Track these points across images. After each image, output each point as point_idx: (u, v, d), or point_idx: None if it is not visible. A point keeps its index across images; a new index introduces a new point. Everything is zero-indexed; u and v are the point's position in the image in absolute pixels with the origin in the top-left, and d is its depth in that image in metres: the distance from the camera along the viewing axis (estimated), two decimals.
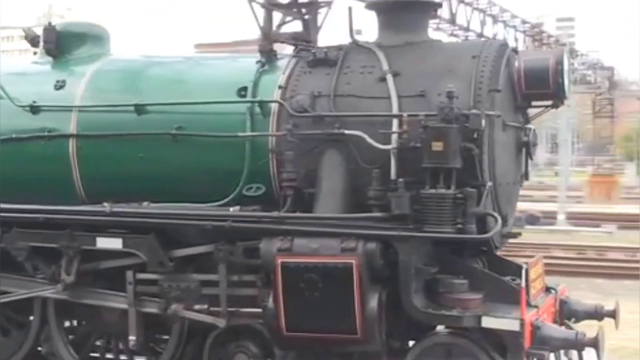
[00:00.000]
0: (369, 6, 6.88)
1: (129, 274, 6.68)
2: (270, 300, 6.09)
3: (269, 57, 6.80)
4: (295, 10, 20.51)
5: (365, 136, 6.06)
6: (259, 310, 6.30)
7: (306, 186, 6.26)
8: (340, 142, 6.20)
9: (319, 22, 20.35)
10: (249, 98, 6.54)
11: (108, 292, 6.84)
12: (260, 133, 6.42)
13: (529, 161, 6.85)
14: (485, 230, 5.93)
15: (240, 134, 6.43)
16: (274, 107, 6.48)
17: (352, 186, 6.20)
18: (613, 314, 6.74)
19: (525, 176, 6.87)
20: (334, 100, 6.32)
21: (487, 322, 5.78)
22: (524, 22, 31.56)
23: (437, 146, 5.70)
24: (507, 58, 6.37)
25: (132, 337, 6.72)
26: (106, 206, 6.65)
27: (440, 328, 6.21)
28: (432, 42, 6.70)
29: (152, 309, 6.65)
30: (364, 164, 6.12)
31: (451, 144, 5.71)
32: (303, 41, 7.00)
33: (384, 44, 6.59)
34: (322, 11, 20.45)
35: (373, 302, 5.85)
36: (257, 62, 6.77)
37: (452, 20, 26.11)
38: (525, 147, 6.72)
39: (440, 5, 6.82)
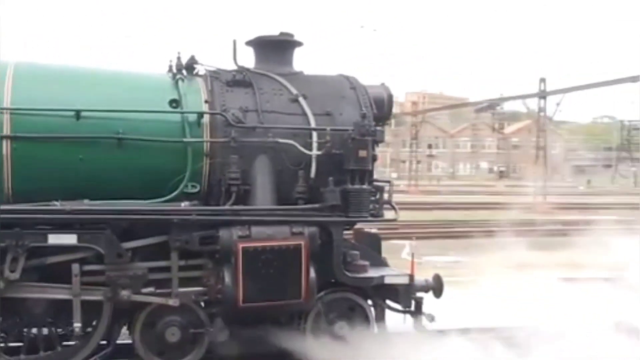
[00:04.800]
0: (249, 43, 7.96)
1: (75, 267, 6.69)
2: (227, 278, 6.85)
3: (186, 74, 7.42)
4: None
5: (297, 144, 7.21)
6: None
7: (242, 184, 7.14)
8: (271, 148, 7.22)
9: None
10: (182, 109, 7.09)
11: (52, 285, 6.72)
12: (210, 139, 7.09)
13: None
14: None
15: (185, 139, 7.00)
16: (206, 117, 7.16)
17: (277, 184, 7.27)
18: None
19: None
20: (262, 115, 7.30)
21: (389, 280, 7.50)
22: None
23: (363, 154, 7.19)
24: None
25: (77, 324, 6.73)
26: (57, 204, 6.60)
27: None
28: (309, 74, 7.99)
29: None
30: (291, 166, 7.26)
31: (370, 152, 7.26)
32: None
33: (275, 72, 7.72)
34: None
35: (313, 273, 7.07)
36: (179, 78, 7.32)
37: None
38: None
39: (301, 43, 8.14)
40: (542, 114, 37.15)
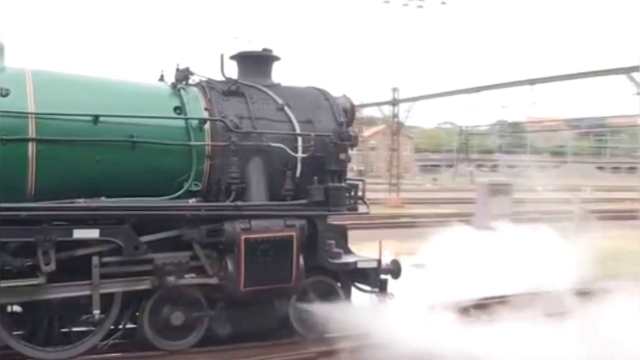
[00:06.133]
0: (233, 57, 8.69)
1: (95, 259, 7.15)
2: (230, 266, 7.57)
3: (184, 84, 8.04)
4: None
5: (286, 147, 8.02)
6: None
7: (239, 182, 7.86)
8: (264, 151, 7.98)
9: None
10: (186, 116, 7.72)
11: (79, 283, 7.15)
12: (212, 143, 7.72)
13: None
14: None
15: (191, 142, 7.63)
16: (207, 123, 7.81)
17: (269, 182, 8.04)
18: None
19: None
20: (255, 122, 8.04)
21: (361, 264, 8.47)
22: None
23: (342, 156, 8.12)
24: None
25: (96, 311, 7.19)
26: (80, 201, 7.04)
27: None
28: (287, 86, 8.77)
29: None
30: (280, 167, 8.05)
31: (347, 155, 8.19)
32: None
33: (260, 83, 8.48)
34: None
35: (301, 260, 7.92)
36: (179, 88, 7.92)
37: None
38: None
39: (279, 58, 8.90)
40: (394, 119, 39.26)
